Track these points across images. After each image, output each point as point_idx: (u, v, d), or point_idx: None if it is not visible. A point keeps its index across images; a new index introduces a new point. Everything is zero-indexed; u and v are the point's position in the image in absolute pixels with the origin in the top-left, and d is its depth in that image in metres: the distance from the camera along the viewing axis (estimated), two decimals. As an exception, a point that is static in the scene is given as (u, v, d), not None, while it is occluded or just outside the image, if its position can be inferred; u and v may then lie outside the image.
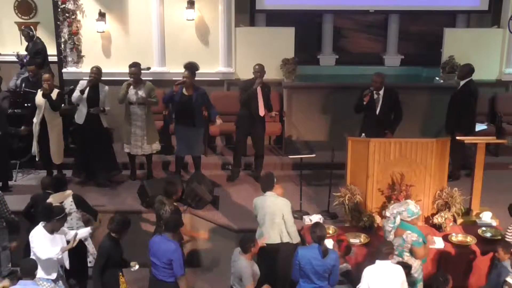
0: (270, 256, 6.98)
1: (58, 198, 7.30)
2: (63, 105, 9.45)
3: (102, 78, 9.22)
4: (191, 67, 9.01)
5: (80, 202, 7.55)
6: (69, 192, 7.51)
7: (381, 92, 9.07)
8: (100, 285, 6.52)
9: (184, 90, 8.93)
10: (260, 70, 9.20)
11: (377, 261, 6.20)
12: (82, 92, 8.94)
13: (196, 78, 9.21)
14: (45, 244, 6.49)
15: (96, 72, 9.03)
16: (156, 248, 6.49)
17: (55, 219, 6.54)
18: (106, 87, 9.17)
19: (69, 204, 7.39)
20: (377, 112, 9.10)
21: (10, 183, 9.36)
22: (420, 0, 11.00)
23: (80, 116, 9.14)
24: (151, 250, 6.56)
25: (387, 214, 6.81)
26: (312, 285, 6.35)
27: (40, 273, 6.38)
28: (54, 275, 6.62)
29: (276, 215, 7.05)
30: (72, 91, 9.59)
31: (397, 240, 6.59)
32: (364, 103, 9.01)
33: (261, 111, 9.26)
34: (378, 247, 6.32)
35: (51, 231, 6.57)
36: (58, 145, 9.25)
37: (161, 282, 6.52)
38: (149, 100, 9.14)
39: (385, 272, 6.15)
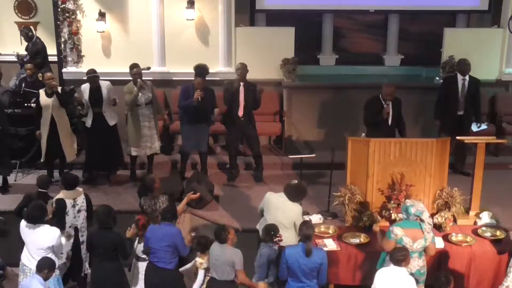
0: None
1: (70, 195, 7.30)
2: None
3: (102, 78, 9.23)
4: (204, 73, 9.01)
5: (89, 203, 7.47)
6: (81, 190, 7.48)
7: (390, 102, 8.84)
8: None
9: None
10: (241, 68, 9.16)
11: (392, 266, 6.15)
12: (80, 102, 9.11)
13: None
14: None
15: (96, 74, 9.10)
16: (156, 234, 6.54)
17: (49, 217, 6.60)
18: (108, 83, 9.19)
19: (81, 201, 7.34)
20: (390, 122, 8.83)
21: (10, 182, 9.36)
22: (420, 0, 11.00)
23: (87, 119, 9.21)
24: (150, 238, 6.59)
25: (429, 222, 6.57)
26: (300, 283, 6.36)
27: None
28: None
29: (289, 220, 6.99)
30: (72, 90, 9.59)
31: (420, 242, 6.49)
32: (385, 117, 8.72)
33: (240, 112, 9.20)
34: (392, 252, 6.25)
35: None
36: (70, 142, 9.27)
37: (161, 269, 6.55)
38: (162, 114, 9.44)
39: (396, 280, 6.06)
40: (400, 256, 6.11)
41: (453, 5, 11.04)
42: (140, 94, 9.07)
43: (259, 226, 7.12)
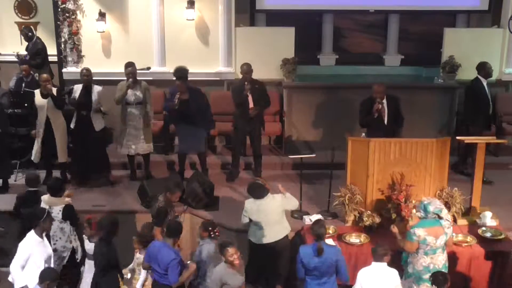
0: (270, 252, 7.09)
1: (51, 201, 7.29)
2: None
3: (102, 78, 9.22)
4: (182, 75, 8.97)
5: (68, 216, 7.35)
6: (66, 200, 7.44)
7: (385, 100, 8.81)
8: None
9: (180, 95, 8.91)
10: (248, 70, 9.16)
11: (373, 263, 6.21)
12: (72, 102, 9.02)
13: (196, 78, 9.22)
14: (23, 259, 6.46)
15: (87, 74, 9.06)
16: (155, 254, 6.41)
17: (40, 222, 6.52)
18: (100, 88, 9.16)
19: (56, 212, 7.28)
20: (386, 122, 8.79)
21: (10, 182, 9.35)
22: (420, 0, 11.01)
23: (72, 120, 9.18)
24: (150, 255, 6.47)
25: (448, 218, 6.63)
26: (317, 281, 6.38)
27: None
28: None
29: (278, 213, 7.16)
30: (71, 91, 9.58)
31: (442, 238, 6.48)
32: (375, 115, 8.73)
33: (250, 111, 9.23)
34: (373, 249, 6.32)
35: (41, 234, 6.58)
36: (63, 143, 9.26)
37: (159, 284, 6.46)
38: (148, 118, 9.23)
39: (379, 275, 6.15)
40: (382, 251, 6.21)
41: (453, 5, 11.04)
42: (129, 92, 9.07)
43: (251, 236, 7.25)
